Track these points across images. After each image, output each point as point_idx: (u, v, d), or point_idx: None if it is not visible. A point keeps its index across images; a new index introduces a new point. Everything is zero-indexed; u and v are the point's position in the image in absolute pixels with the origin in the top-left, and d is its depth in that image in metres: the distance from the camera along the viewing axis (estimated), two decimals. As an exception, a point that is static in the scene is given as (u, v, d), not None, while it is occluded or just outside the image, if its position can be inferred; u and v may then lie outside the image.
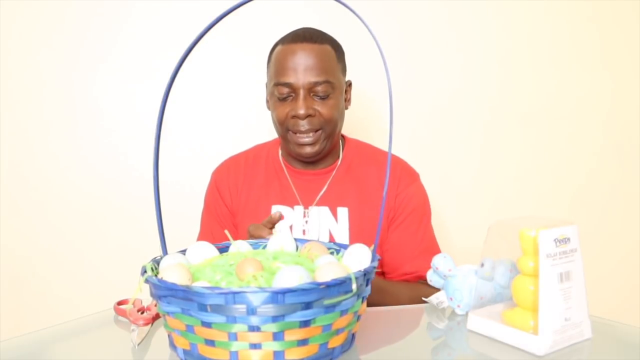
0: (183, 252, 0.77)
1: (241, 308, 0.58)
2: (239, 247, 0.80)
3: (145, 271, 0.67)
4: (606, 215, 1.82)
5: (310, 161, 1.17)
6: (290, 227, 1.14)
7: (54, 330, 0.81)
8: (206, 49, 1.47)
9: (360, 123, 1.62)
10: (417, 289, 1.09)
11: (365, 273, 0.65)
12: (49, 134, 1.60)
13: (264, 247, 0.81)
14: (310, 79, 1.08)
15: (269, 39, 1.18)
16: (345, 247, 0.78)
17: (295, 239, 0.82)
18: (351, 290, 0.62)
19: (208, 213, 1.23)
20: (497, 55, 1.73)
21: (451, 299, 0.84)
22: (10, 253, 1.61)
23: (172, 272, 0.64)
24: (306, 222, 1.15)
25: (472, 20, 1.71)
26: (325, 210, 1.15)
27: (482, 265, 0.76)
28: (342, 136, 1.24)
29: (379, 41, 0.67)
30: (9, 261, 1.61)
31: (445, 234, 1.66)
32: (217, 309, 0.58)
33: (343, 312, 0.63)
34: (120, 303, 0.87)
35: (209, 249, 0.78)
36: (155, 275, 0.66)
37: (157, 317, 0.81)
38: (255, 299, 0.57)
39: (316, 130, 1.11)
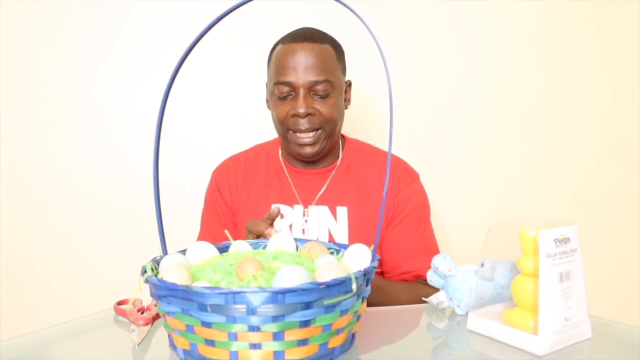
0: (183, 252, 0.76)
1: (241, 308, 0.58)
2: (239, 247, 0.80)
3: (145, 271, 0.67)
4: (606, 215, 1.82)
5: (310, 161, 1.17)
6: (290, 226, 1.15)
7: (54, 330, 0.81)
8: (206, 49, 1.47)
9: (360, 123, 1.62)
10: (416, 288, 1.10)
11: (365, 273, 0.65)
12: (49, 134, 1.60)
13: (264, 247, 0.81)
14: (310, 78, 1.08)
15: (269, 39, 1.18)
16: (345, 247, 0.78)
17: (295, 239, 0.82)
18: (351, 290, 0.62)
19: (208, 212, 1.24)
20: (497, 55, 1.73)
21: (451, 299, 0.84)
22: (10, 253, 1.61)
23: (172, 272, 0.64)
24: (305, 221, 1.15)
25: (472, 20, 1.71)
26: (324, 209, 1.15)
27: (482, 265, 0.76)
28: (342, 136, 1.24)
29: (379, 41, 0.67)
30: (9, 261, 1.61)
31: (445, 234, 1.66)
32: (217, 309, 0.58)
33: (343, 312, 0.63)
34: (120, 303, 0.87)
35: (209, 249, 0.78)
36: (155, 275, 0.66)
37: (157, 317, 0.81)
38: (255, 299, 0.57)
39: (316, 129, 1.11)
